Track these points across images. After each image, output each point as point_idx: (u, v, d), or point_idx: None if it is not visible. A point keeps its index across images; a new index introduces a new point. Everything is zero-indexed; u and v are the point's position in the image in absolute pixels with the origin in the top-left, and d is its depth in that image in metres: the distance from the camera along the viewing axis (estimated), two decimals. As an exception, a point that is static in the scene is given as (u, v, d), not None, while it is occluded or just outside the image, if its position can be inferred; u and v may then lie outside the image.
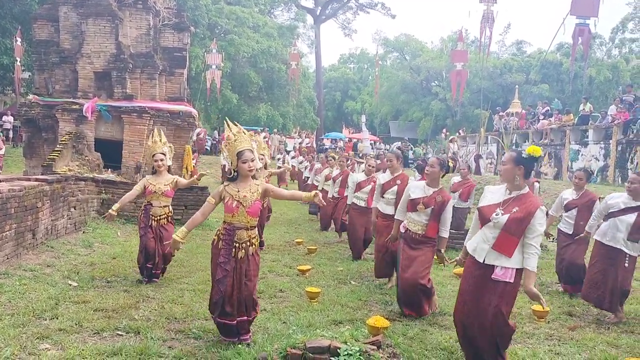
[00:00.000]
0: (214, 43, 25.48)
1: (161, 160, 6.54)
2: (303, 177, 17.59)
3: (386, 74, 43.24)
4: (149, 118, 13.08)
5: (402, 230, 5.61)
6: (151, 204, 6.51)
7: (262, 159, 8.67)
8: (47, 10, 13.84)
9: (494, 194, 4.06)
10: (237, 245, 4.43)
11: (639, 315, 5.87)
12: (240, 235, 4.44)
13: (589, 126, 18.60)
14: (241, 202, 4.39)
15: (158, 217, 6.50)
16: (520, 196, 3.89)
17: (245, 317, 4.50)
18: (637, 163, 14.86)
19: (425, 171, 5.66)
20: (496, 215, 3.88)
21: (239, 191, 4.42)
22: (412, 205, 5.49)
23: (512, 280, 3.84)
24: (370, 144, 34.67)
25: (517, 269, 3.84)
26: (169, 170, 6.68)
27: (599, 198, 6.67)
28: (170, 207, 6.69)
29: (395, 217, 5.88)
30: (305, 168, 17.47)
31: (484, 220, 3.99)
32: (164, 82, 14.07)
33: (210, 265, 4.63)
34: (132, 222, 9.83)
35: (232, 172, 4.50)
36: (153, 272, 6.43)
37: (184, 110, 13.83)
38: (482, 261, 3.92)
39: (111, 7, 13.20)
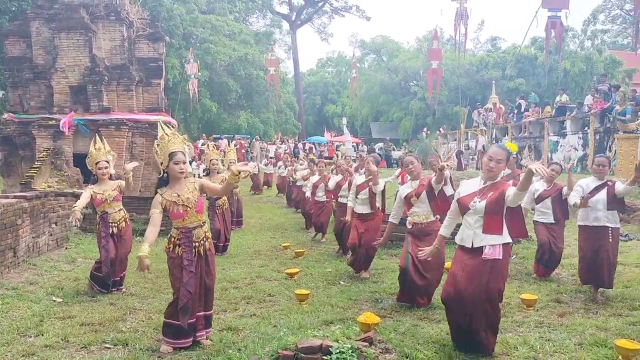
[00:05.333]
0: (190, 52, 25.35)
1: (105, 168, 6.48)
2: (289, 182, 17.46)
3: (365, 75, 43.37)
4: (127, 130, 12.97)
5: (409, 226, 5.86)
6: (107, 212, 6.43)
7: (215, 165, 8.95)
8: (18, 26, 13.67)
9: (469, 185, 4.45)
10: (196, 244, 4.46)
11: (626, 298, 5.93)
12: (197, 233, 4.48)
13: (567, 117, 18.84)
14: (187, 205, 4.40)
15: (117, 223, 6.44)
16: (495, 184, 4.28)
17: (203, 313, 4.53)
18: (615, 151, 15.06)
19: (409, 169, 5.98)
20: (474, 202, 4.24)
21: (179, 195, 4.41)
22: (408, 202, 5.87)
23: (500, 257, 4.13)
24: (353, 146, 34.69)
25: (503, 245, 4.15)
26: (110, 178, 6.60)
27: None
28: (124, 210, 6.63)
29: (389, 220, 6.23)
30: (289, 173, 17.33)
31: (464, 209, 4.34)
32: (141, 93, 13.98)
33: (169, 273, 4.55)
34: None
35: (163, 172, 4.48)
36: (114, 280, 6.35)
37: (163, 121, 13.70)
38: (470, 246, 4.21)
39: (83, 20, 13.08)
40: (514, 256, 8.22)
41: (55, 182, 12.02)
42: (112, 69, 13.48)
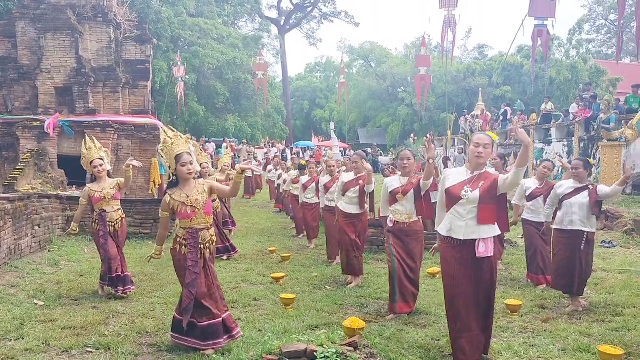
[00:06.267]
0: (178, 55, 25.25)
1: (100, 165, 6.37)
2: (275, 186, 17.43)
3: (353, 81, 43.46)
4: (113, 132, 12.87)
5: (390, 224, 5.74)
6: (105, 211, 6.33)
7: (205, 169, 8.76)
8: (4, 26, 13.53)
9: (455, 174, 4.35)
10: (202, 246, 4.43)
11: (609, 305, 5.97)
12: (204, 235, 4.46)
13: (552, 125, 19.03)
14: (195, 206, 4.38)
15: (114, 222, 6.36)
16: (483, 173, 4.22)
17: (228, 312, 4.54)
18: (599, 159, 15.23)
19: (403, 165, 5.81)
20: (465, 192, 4.12)
21: (188, 196, 4.40)
22: (393, 198, 5.74)
23: (492, 254, 4.07)
24: (340, 151, 34.74)
25: (494, 238, 4.11)
26: (108, 175, 6.52)
27: None
28: (122, 210, 6.56)
29: (381, 215, 6.11)
30: (279, 177, 17.29)
31: (453, 198, 4.20)
32: (127, 95, 13.89)
33: (177, 274, 4.58)
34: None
35: (171, 175, 4.48)
36: (110, 276, 6.23)
37: (149, 123, 13.65)
38: (461, 238, 4.10)
39: (70, 21, 12.98)
40: (499, 262, 8.26)
41: (39, 183, 11.88)
42: (98, 70, 13.38)
